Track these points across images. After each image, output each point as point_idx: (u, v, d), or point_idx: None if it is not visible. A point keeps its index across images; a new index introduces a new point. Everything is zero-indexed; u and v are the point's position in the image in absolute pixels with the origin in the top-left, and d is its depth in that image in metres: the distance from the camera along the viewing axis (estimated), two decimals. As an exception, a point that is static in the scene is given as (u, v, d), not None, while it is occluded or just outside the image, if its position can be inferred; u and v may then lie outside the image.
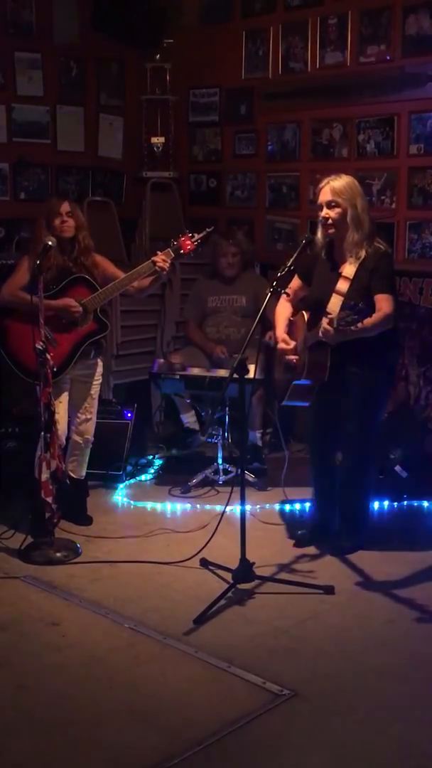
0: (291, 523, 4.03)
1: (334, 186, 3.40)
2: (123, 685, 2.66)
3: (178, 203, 5.69)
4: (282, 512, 4.16)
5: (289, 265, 3.36)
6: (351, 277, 3.41)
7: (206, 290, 4.92)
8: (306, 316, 3.49)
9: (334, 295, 3.41)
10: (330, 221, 3.41)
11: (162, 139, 5.62)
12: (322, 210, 3.42)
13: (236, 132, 5.54)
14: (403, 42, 4.69)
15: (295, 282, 3.52)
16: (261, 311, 3.32)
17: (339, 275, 3.45)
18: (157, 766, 2.26)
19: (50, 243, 3.52)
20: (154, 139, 5.62)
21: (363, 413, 3.54)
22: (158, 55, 5.54)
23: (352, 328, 3.17)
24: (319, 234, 3.47)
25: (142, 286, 3.89)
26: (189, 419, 4.88)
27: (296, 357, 3.52)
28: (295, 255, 3.40)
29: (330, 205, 3.40)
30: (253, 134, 5.46)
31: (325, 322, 3.31)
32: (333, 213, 3.40)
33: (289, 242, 5.21)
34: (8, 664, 2.78)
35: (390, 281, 3.49)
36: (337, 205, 3.39)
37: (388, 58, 4.76)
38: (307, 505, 4.02)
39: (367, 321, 3.23)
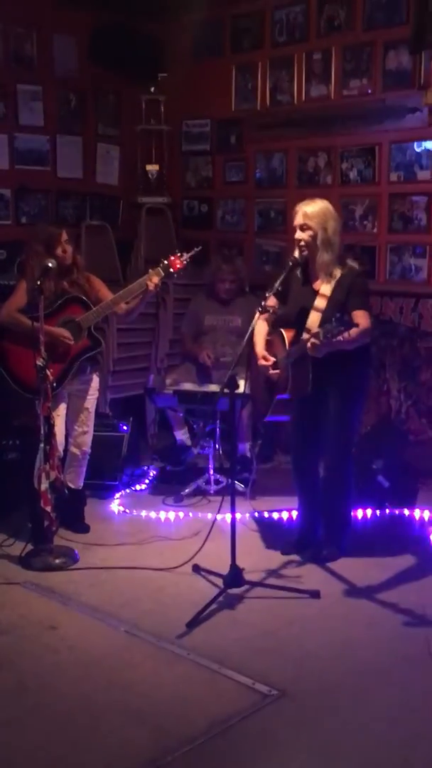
0: (279, 530, 4.07)
1: (306, 210, 3.53)
2: (119, 685, 2.70)
3: (171, 227, 5.76)
4: (270, 520, 4.21)
5: (277, 285, 3.48)
6: (328, 295, 3.51)
7: (203, 308, 4.99)
8: (287, 333, 3.57)
9: (312, 311, 3.51)
10: (302, 243, 3.53)
11: (156, 167, 5.72)
12: (296, 232, 3.56)
13: (226, 160, 5.64)
14: (383, 76, 4.80)
15: (271, 301, 3.61)
16: (251, 330, 3.43)
17: (315, 293, 3.56)
18: (152, 763, 2.30)
19: (50, 264, 3.61)
20: (149, 167, 5.71)
21: (342, 425, 3.61)
22: (153, 88, 5.65)
23: (339, 338, 3.26)
24: (296, 254, 3.59)
25: (130, 308, 3.95)
26: (183, 436, 4.94)
27: (277, 372, 3.59)
28: (282, 276, 3.52)
29: (302, 228, 3.52)
30: (242, 162, 5.56)
31: (309, 336, 3.40)
32: (305, 235, 3.52)
33: (276, 264, 5.28)
34: (9, 665, 2.84)
35: (366, 298, 3.60)
36: (309, 228, 3.51)
37: (369, 91, 4.88)
38: (294, 513, 4.06)
39: (351, 334, 3.33)
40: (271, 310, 3.57)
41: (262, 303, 3.47)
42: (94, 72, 5.57)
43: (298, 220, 3.55)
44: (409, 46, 4.61)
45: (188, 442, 4.93)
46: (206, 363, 4.76)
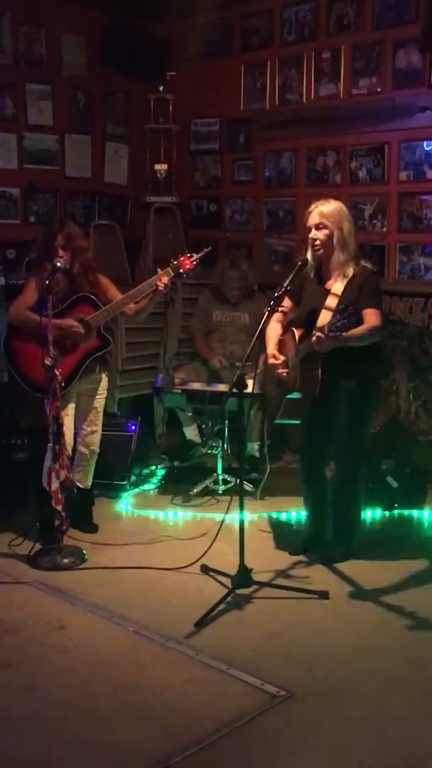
0: (287, 531, 4.07)
1: (322, 210, 3.53)
2: (126, 686, 2.71)
3: (180, 226, 5.78)
4: (279, 521, 4.21)
5: (285, 285, 3.47)
6: (340, 294, 3.51)
7: (212, 305, 5.00)
8: (297, 332, 3.57)
9: (323, 310, 3.50)
10: (318, 242, 3.53)
11: (165, 166, 5.72)
12: (311, 232, 3.56)
13: (235, 159, 5.64)
14: (393, 75, 4.80)
15: (286, 302, 3.61)
16: (260, 328, 3.41)
17: (328, 292, 3.55)
18: (160, 763, 2.29)
19: (59, 264, 3.62)
20: (158, 166, 5.72)
21: (353, 425, 3.60)
22: (162, 87, 5.65)
23: (344, 333, 3.26)
24: (309, 255, 3.59)
25: (140, 307, 3.94)
26: (191, 433, 4.95)
27: (287, 371, 3.59)
28: (291, 276, 3.51)
29: (318, 227, 3.53)
30: (251, 162, 5.56)
31: (316, 333, 3.39)
32: (321, 234, 3.52)
33: (285, 264, 5.28)
34: (17, 665, 2.85)
35: (377, 297, 3.59)
36: (325, 227, 3.51)
37: (378, 90, 4.88)
38: (303, 513, 4.03)
39: (357, 330, 3.32)
40: (279, 309, 3.56)
41: (272, 302, 3.46)
42: (103, 71, 5.58)
43: (314, 219, 3.55)
44: (419, 44, 4.61)
45: (197, 439, 4.93)
46: (217, 368, 4.76)
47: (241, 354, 4.79)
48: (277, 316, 3.60)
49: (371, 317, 3.45)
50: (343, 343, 3.37)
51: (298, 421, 3.72)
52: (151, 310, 4.07)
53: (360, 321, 3.38)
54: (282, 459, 5.02)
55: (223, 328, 4.96)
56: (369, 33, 4.91)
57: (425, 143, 4.74)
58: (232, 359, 4.83)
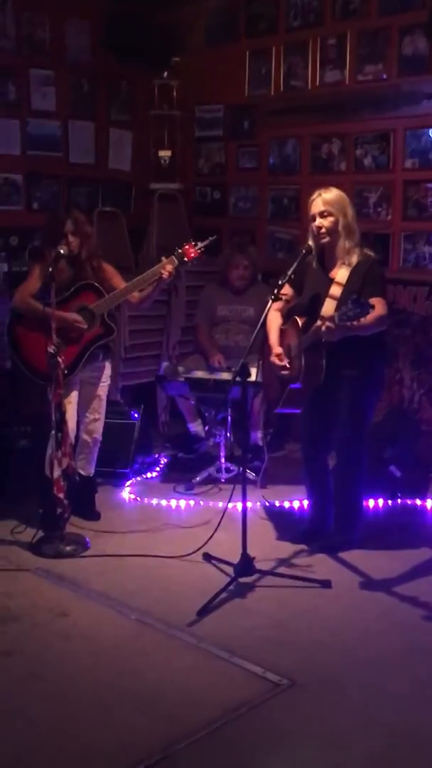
0: (290, 519, 4.07)
1: (325, 197, 3.53)
2: (129, 673, 2.72)
3: (183, 214, 5.76)
4: (281, 509, 4.22)
5: (290, 273, 3.47)
6: (344, 282, 3.51)
7: (216, 298, 4.99)
8: (300, 321, 3.56)
9: (327, 299, 3.50)
10: (323, 230, 3.52)
11: (169, 153, 5.70)
12: (315, 220, 3.55)
13: (239, 146, 5.61)
14: (399, 61, 4.76)
15: (287, 290, 3.60)
16: (263, 318, 3.42)
17: (331, 281, 3.55)
18: (162, 751, 2.31)
19: (62, 251, 3.62)
20: (162, 153, 5.69)
21: (356, 415, 3.61)
22: (166, 73, 5.61)
23: (354, 322, 3.26)
24: (310, 242, 3.59)
25: (144, 296, 3.94)
26: (196, 428, 4.95)
27: (288, 371, 3.58)
28: (295, 264, 3.51)
29: (323, 214, 3.52)
30: (255, 149, 5.53)
31: (323, 322, 3.39)
32: (326, 222, 3.52)
33: (289, 252, 5.26)
34: (20, 652, 2.85)
35: (382, 286, 3.59)
36: (330, 215, 3.51)
37: (384, 76, 4.84)
38: (305, 502, 4.05)
39: (366, 319, 3.31)
40: (283, 298, 3.55)
41: (275, 291, 3.45)
42: (107, 57, 5.54)
43: (318, 207, 3.54)
44: (425, 30, 4.57)
45: (202, 434, 4.93)
46: (215, 367, 4.75)
47: (245, 344, 4.75)
48: (277, 304, 3.59)
49: (377, 305, 3.44)
50: (352, 333, 3.36)
51: (298, 410, 3.72)
52: (155, 298, 4.07)
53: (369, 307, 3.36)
54: (285, 448, 5.02)
55: (228, 323, 4.96)
56: (375, 19, 4.87)
57: (431, 131, 4.71)
58: (236, 350, 4.83)
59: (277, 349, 3.62)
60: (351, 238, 3.53)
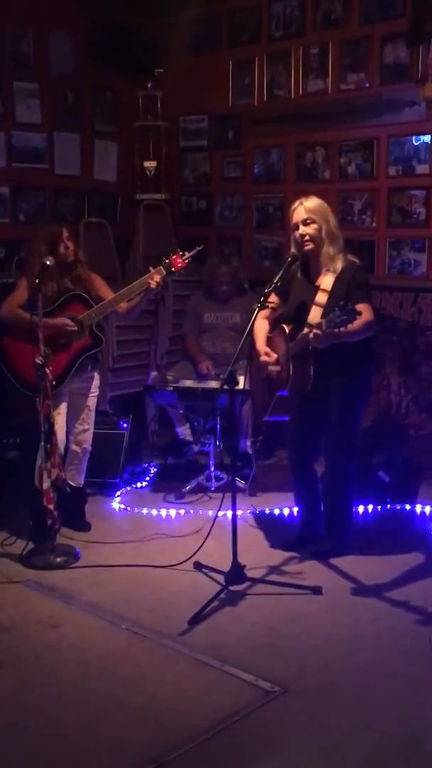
0: (280, 526, 4.07)
1: (307, 206, 3.56)
2: (121, 683, 2.70)
3: (169, 224, 5.77)
4: (271, 516, 4.21)
5: (276, 281, 3.49)
6: (329, 289, 3.52)
7: (202, 306, 5.01)
8: (287, 328, 3.57)
9: (313, 307, 3.52)
10: (307, 237, 3.54)
11: (154, 163, 5.72)
12: (298, 229, 3.57)
13: (224, 156, 5.65)
14: (381, 70, 4.81)
15: (273, 298, 3.61)
16: (250, 325, 3.43)
17: (316, 288, 3.56)
18: (154, 761, 2.29)
19: (48, 262, 3.60)
20: (147, 164, 5.71)
21: (344, 421, 3.62)
22: (150, 84, 5.64)
23: (342, 329, 3.27)
24: (293, 250, 3.61)
25: (131, 306, 3.95)
26: (184, 432, 4.95)
27: (278, 368, 3.59)
28: (281, 272, 3.53)
29: (306, 222, 3.54)
30: (240, 158, 5.56)
31: (310, 329, 3.40)
32: (309, 229, 3.54)
33: (275, 260, 5.29)
34: (11, 664, 2.84)
35: (367, 291, 3.61)
36: (313, 222, 3.54)
37: (366, 85, 4.89)
38: (295, 509, 4.05)
39: (353, 326, 3.32)
40: (270, 306, 3.57)
41: (261, 299, 3.47)
42: (91, 69, 5.56)
43: (300, 215, 3.56)
44: (407, 39, 4.63)
45: (190, 438, 4.94)
46: (203, 373, 4.76)
47: (232, 351, 4.77)
48: (264, 312, 3.61)
49: (365, 312, 3.45)
50: (340, 339, 3.38)
51: (287, 417, 3.73)
52: (142, 308, 4.07)
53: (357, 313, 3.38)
54: (274, 455, 5.03)
55: (214, 330, 4.98)
56: (356, 28, 4.93)
57: (414, 138, 4.76)
58: (223, 357, 4.84)
59: (264, 348, 3.63)
60: (335, 244, 3.56)
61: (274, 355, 3.62)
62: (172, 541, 3.92)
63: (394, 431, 4.58)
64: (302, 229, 3.56)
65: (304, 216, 3.55)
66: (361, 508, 4.19)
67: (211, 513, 4.02)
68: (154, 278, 3.87)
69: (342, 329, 3.28)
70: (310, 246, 3.57)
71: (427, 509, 4.20)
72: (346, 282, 3.53)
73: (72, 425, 4.02)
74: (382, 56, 4.82)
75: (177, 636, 3.00)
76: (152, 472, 4.88)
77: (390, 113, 4.81)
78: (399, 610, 3.19)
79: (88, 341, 3.90)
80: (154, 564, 3.62)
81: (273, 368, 3.61)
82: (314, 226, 3.54)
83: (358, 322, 3.34)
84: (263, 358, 3.62)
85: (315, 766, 2.35)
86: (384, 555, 3.72)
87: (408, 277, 4.85)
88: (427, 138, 4.71)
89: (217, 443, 4.63)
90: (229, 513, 3.38)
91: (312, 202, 3.57)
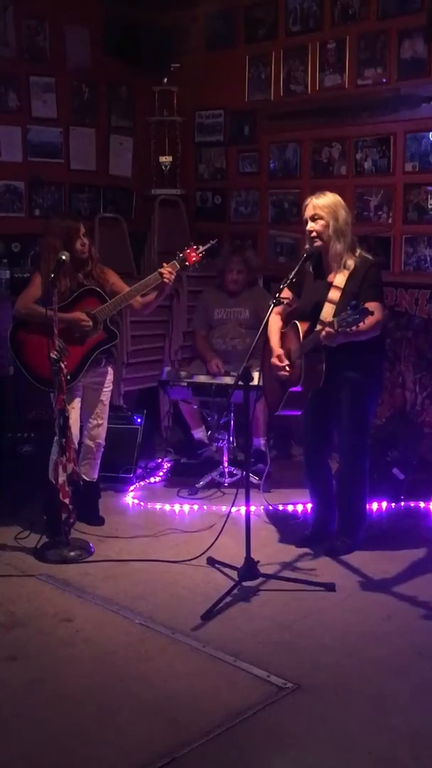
0: (293, 523, 4.08)
1: (316, 202, 3.57)
2: (133, 678, 2.72)
3: (184, 219, 5.77)
4: (285, 513, 4.22)
5: (291, 277, 3.49)
6: (342, 286, 3.53)
7: (212, 302, 5.01)
8: (301, 326, 3.58)
9: (326, 303, 3.53)
10: (314, 233, 3.56)
11: (169, 158, 5.71)
12: (307, 224, 3.59)
13: (240, 151, 5.62)
14: (398, 65, 4.75)
15: (287, 293, 3.62)
16: (265, 322, 3.44)
17: (329, 285, 3.57)
18: (166, 755, 2.31)
19: (63, 257, 3.62)
20: (162, 159, 5.71)
21: (357, 415, 3.62)
22: (166, 79, 5.62)
23: (354, 328, 3.29)
24: (307, 246, 3.62)
25: (146, 301, 3.95)
26: (200, 434, 4.94)
27: (288, 372, 3.60)
28: (297, 268, 3.53)
29: (313, 218, 3.57)
30: (256, 153, 5.53)
31: (323, 327, 3.41)
32: (317, 225, 3.56)
33: (290, 256, 5.27)
34: (25, 657, 2.87)
35: (379, 290, 3.62)
36: (320, 218, 3.55)
37: (384, 80, 4.84)
38: (309, 505, 4.06)
39: (364, 324, 3.33)
40: (284, 302, 3.57)
41: (276, 295, 3.47)
42: (107, 63, 5.57)
43: (309, 211, 3.59)
44: (425, 34, 4.57)
45: (206, 440, 4.93)
46: (213, 372, 4.75)
47: (242, 347, 4.82)
48: (278, 308, 3.61)
49: (376, 311, 3.45)
50: (351, 338, 3.39)
51: (299, 412, 3.73)
52: (158, 303, 4.07)
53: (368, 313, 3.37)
54: (288, 451, 5.02)
55: (224, 326, 4.97)
56: (374, 23, 4.87)
57: (431, 134, 4.72)
58: (234, 354, 4.84)
59: (278, 351, 3.64)
60: (342, 241, 3.55)
61: (286, 361, 3.62)
62: (185, 536, 3.93)
63: (408, 429, 4.55)
64: (310, 225, 3.58)
65: (312, 212, 3.57)
66: (375, 506, 4.18)
67: (224, 509, 4.04)
68: (168, 271, 3.86)
69: (354, 328, 3.28)
70: (317, 242, 3.58)
71: (442, 507, 4.20)
72: (359, 279, 3.54)
73: (86, 420, 4.03)
74: (399, 51, 4.76)
75: (190, 631, 3.02)
76: (166, 467, 4.89)
77: (407, 109, 4.76)
78: (412, 608, 3.20)
79: (102, 336, 3.91)
80: (168, 559, 3.64)
81: (283, 373, 3.61)
82: (321, 222, 3.55)
83: (369, 322, 3.35)
84: (275, 361, 3.63)
85: (327, 763, 2.35)
86: (398, 552, 3.71)
87: (424, 274, 4.81)
88: (444, 134, 4.68)
89: (231, 439, 4.63)
90: (243, 509, 3.38)
91: (322, 199, 3.58)
